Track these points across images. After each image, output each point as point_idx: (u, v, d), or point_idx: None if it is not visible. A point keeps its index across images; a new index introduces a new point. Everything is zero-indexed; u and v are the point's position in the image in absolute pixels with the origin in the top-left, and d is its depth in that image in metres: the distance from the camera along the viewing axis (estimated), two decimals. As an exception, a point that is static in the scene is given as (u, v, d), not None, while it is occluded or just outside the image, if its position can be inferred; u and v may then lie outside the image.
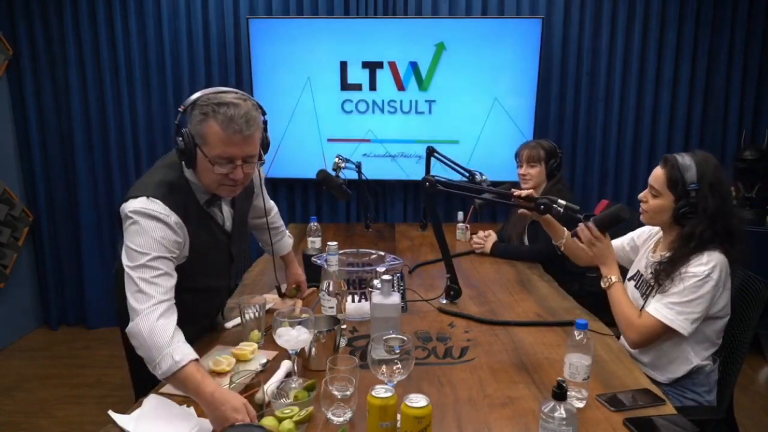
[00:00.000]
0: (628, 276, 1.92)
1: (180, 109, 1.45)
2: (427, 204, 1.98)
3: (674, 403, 1.68)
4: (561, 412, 1.08)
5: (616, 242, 2.03)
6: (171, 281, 1.41)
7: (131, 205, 1.45)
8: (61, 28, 3.52)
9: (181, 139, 1.43)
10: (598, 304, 1.96)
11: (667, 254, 1.70)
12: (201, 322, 1.77)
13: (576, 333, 1.31)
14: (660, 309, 1.63)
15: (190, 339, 1.66)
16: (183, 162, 1.48)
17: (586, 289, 2.52)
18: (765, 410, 2.87)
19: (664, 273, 1.66)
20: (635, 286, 1.84)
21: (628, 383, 1.43)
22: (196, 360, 1.30)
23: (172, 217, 1.47)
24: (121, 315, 1.71)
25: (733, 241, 1.64)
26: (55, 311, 3.88)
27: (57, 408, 2.91)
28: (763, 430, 2.71)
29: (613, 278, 1.76)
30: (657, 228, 1.86)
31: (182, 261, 1.53)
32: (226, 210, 1.67)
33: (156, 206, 1.45)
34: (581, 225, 1.83)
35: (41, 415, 2.85)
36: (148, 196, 1.46)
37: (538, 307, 1.97)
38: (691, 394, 1.72)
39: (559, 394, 1.08)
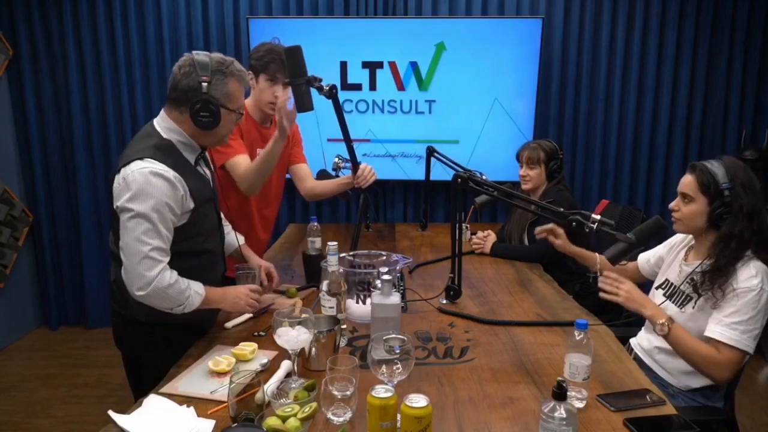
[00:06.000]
0: (656, 285, 1.88)
1: (205, 80, 1.54)
2: (453, 201, 1.97)
3: (681, 404, 1.68)
4: (561, 412, 1.07)
5: (642, 258, 2.00)
6: (169, 244, 1.55)
7: (128, 170, 1.49)
8: (61, 28, 3.52)
9: (212, 107, 1.55)
10: (598, 304, 1.95)
11: (708, 261, 1.64)
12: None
13: (576, 333, 1.31)
14: (724, 332, 1.56)
15: (193, 340, 1.68)
16: (206, 129, 1.58)
17: (587, 289, 2.52)
18: (765, 410, 2.88)
19: (710, 282, 1.60)
20: (664, 294, 1.80)
21: (628, 383, 1.43)
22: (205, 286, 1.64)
23: (171, 172, 1.52)
24: (119, 318, 1.72)
25: (766, 242, 1.61)
26: (55, 311, 3.88)
27: (57, 408, 2.92)
28: (763, 430, 2.71)
29: (664, 321, 1.60)
30: (686, 236, 1.82)
31: (185, 219, 1.59)
32: (207, 171, 1.75)
33: (153, 164, 1.50)
34: (601, 279, 1.73)
35: (41, 415, 2.85)
36: (141, 158, 1.51)
37: (538, 307, 1.97)
38: (702, 399, 1.71)
39: (559, 394, 1.08)
